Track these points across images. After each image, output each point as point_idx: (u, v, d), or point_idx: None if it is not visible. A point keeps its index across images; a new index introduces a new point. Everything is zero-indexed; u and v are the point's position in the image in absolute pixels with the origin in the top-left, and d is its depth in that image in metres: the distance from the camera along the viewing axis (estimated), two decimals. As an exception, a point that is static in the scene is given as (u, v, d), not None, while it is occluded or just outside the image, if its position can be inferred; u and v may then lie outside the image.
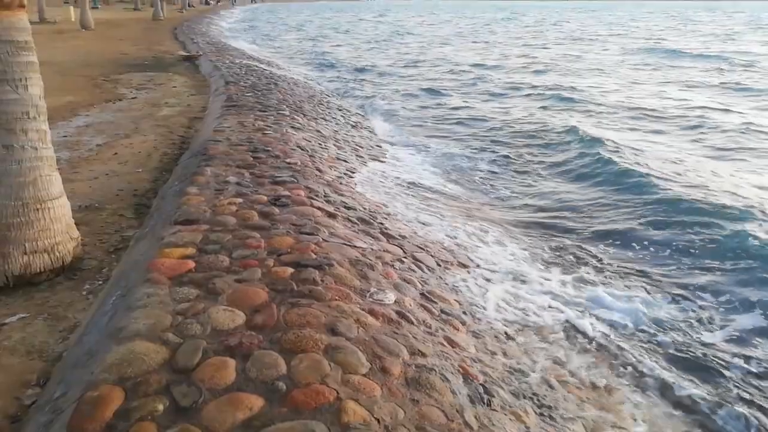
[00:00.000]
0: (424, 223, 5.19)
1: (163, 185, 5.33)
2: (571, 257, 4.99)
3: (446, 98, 13.96)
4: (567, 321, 3.85)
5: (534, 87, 15.30)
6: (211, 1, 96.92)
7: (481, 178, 7.59)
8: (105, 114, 8.78)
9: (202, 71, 13.98)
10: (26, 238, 3.47)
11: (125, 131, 7.65)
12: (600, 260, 4.96)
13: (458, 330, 3.26)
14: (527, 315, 3.87)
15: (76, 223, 3.87)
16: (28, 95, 3.49)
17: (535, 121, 10.90)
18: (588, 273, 4.67)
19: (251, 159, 5.67)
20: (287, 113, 8.60)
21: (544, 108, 12.42)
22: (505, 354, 3.22)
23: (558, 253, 5.05)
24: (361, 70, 19.33)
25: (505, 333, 3.53)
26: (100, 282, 3.59)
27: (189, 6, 67.43)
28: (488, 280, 4.25)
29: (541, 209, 6.40)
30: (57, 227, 3.59)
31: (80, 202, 4.80)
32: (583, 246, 5.27)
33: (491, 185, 7.29)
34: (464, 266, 4.41)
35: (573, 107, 12.43)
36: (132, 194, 5.23)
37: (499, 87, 15.72)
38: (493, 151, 8.97)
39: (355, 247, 3.86)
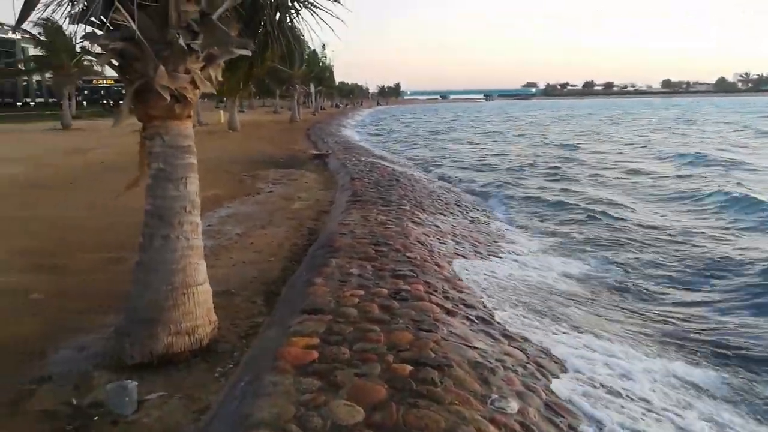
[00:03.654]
0: (545, 328, 4.94)
1: (292, 274, 5.64)
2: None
3: (574, 194, 13.59)
4: None
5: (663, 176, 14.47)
6: (341, 105, 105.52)
7: (615, 283, 6.95)
8: (244, 206, 9.66)
9: (331, 168, 15.01)
10: (172, 320, 3.80)
11: (261, 222, 8.32)
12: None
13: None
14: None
15: (213, 308, 4.18)
16: (187, 192, 3.96)
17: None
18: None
19: (373, 252, 5.86)
20: (408, 208, 8.88)
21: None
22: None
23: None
24: (481, 167, 19.60)
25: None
26: (231, 366, 3.79)
27: (321, 109, 73.98)
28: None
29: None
30: (199, 311, 3.91)
31: (218, 288, 5.19)
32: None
33: (624, 293, 6.59)
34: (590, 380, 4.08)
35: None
36: (264, 282, 5.58)
37: (643, 191, 14.28)
38: (627, 254, 8.25)
39: (475, 348, 3.75)
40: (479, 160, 21.61)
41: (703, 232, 9.49)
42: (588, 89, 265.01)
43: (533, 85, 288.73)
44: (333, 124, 42.85)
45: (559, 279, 6.73)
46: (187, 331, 3.82)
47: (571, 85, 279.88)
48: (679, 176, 16.19)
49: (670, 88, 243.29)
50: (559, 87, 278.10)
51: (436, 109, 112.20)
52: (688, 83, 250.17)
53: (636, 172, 17.40)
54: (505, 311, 4.97)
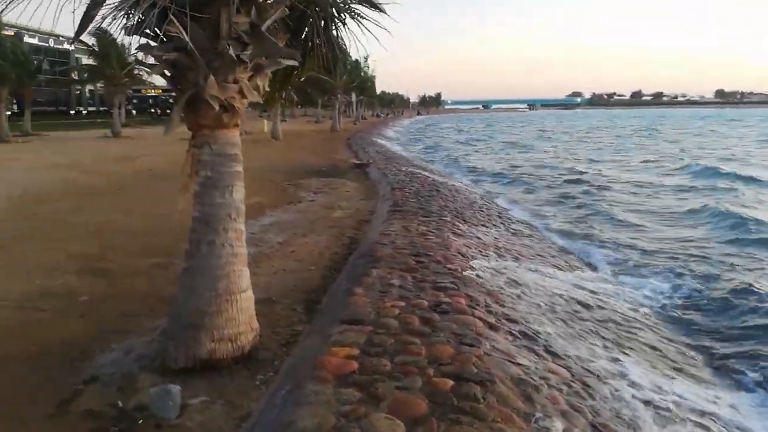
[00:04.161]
0: (592, 348, 4.79)
1: (332, 283, 5.65)
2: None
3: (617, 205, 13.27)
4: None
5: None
6: (381, 114, 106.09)
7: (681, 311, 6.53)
8: (286, 214, 9.77)
9: (371, 177, 15.06)
10: (215, 326, 3.84)
11: (302, 230, 8.39)
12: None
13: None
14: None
15: (255, 315, 4.21)
16: (233, 200, 4.01)
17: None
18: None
19: (414, 263, 5.81)
20: (448, 219, 8.81)
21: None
22: None
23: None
24: (522, 180, 19.34)
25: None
26: (272, 373, 3.80)
27: (362, 118, 74.59)
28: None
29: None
30: (241, 318, 3.94)
31: (259, 295, 5.24)
32: None
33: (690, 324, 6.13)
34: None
35: None
36: (304, 290, 5.61)
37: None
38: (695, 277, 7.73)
39: (518, 364, 3.66)
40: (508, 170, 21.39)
41: None
42: (636, 99, 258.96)
43: (578, 94, 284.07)
44: (373, 134, 43.08)
45: (613, 300, 6.52)
46: (229, 338, 3.86)
47: (618, 95, 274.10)
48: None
49: (724, 99, 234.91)
50: (605, 96, 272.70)
51: (471, 119, 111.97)
52: (742, 93, 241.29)
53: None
54: (549, 327, 4.84)
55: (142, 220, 8.95)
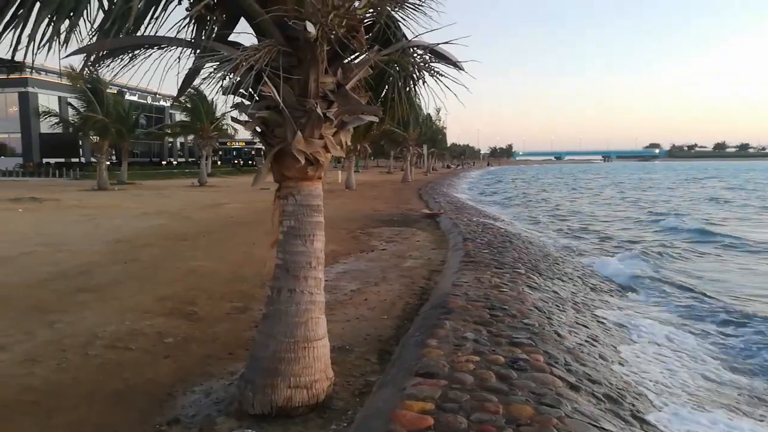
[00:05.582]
0: (684, 416, 4.45)
1: (404, 334, 5.62)
2: None
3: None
4: None
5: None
6: (452, 165, 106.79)
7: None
8: (359, 263, 9.91)
9: (442, 227, 15.05)
10: (292, 373, 3.91)
11: (375, 279, 8.46)
12: None
13: None
14: None
15: (330, 363, 4.25)
16: (313, 248, 4.14)
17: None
18: None
19: (488, 316, 5.70)
20: (523, 271, 8.61)
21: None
22: None
23: None
24: (602, 233, 18.67)
25: None
26: (345, 424, 3.79)
27: (432, 169, 75.37)
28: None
29: None
30: (317, 366, 4.00)
31: (333, 343, 5.29)
32: None
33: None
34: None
35: None
36: (377, 340, 5.62)
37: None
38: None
39: (603, 429, 3.46)
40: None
41: None
42: (719, 151, 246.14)
43: (657, 146, 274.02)
44: (444, 184, 43.26)
45: (698, 365, 6.08)
46: (305, 385, 3.91)
47: (700, 147, 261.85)
48: None
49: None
50: (686, 148, 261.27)
51: (537, 171, 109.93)
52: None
53: None
54: (636, 390, 4.56)
55: (224, 264, 9.36)
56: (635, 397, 4.39)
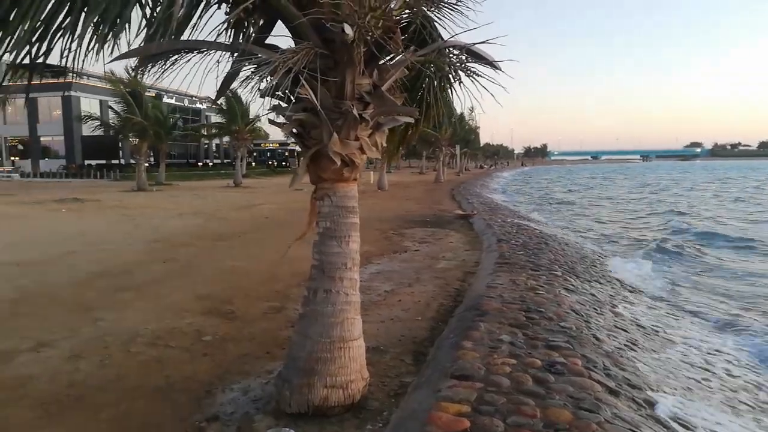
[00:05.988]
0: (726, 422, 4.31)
1: (439, 335, 5.60)
2: None
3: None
4: None
5: None
6: (485, 166, 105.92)
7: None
8: (392, 263, 9.92)
9: (476, 228, 14.94)
10: (328, 373, 3.93)
11: (408, 280, 8.45)
12: None
13: None
14: None
15: (366, 364, 4.26)
16: (349, 249, 4.17)
17: None
18: None
19: (524, 318, 5.64)
20: (559, 273, 8.47)
21: None
22: None
23: None
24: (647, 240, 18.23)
25: None
26: (381, 425, 3.80)
27: (465, 170, 74.89)
28: None
29: None
30: (353, 366, 4.01)
31: (368, 343, 5.31)
32: None
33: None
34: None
35: None
36: (412, 341, 5.61)
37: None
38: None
39: (645, 435, 3.38)
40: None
41: None
42: (764, 150, 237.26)
43: (698, 144, 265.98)
44: (477, 185, 42.94)
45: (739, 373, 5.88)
46: (341, 385, 3.93)
47: (744, 145, 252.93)
48: None
49: None
50: (729, 147, 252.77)
51: (570, 170, 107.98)
52: None
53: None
54: (677, 396, 4.44)
55: (259, 264, 9.49)
56: (678, 405, 4.27)
